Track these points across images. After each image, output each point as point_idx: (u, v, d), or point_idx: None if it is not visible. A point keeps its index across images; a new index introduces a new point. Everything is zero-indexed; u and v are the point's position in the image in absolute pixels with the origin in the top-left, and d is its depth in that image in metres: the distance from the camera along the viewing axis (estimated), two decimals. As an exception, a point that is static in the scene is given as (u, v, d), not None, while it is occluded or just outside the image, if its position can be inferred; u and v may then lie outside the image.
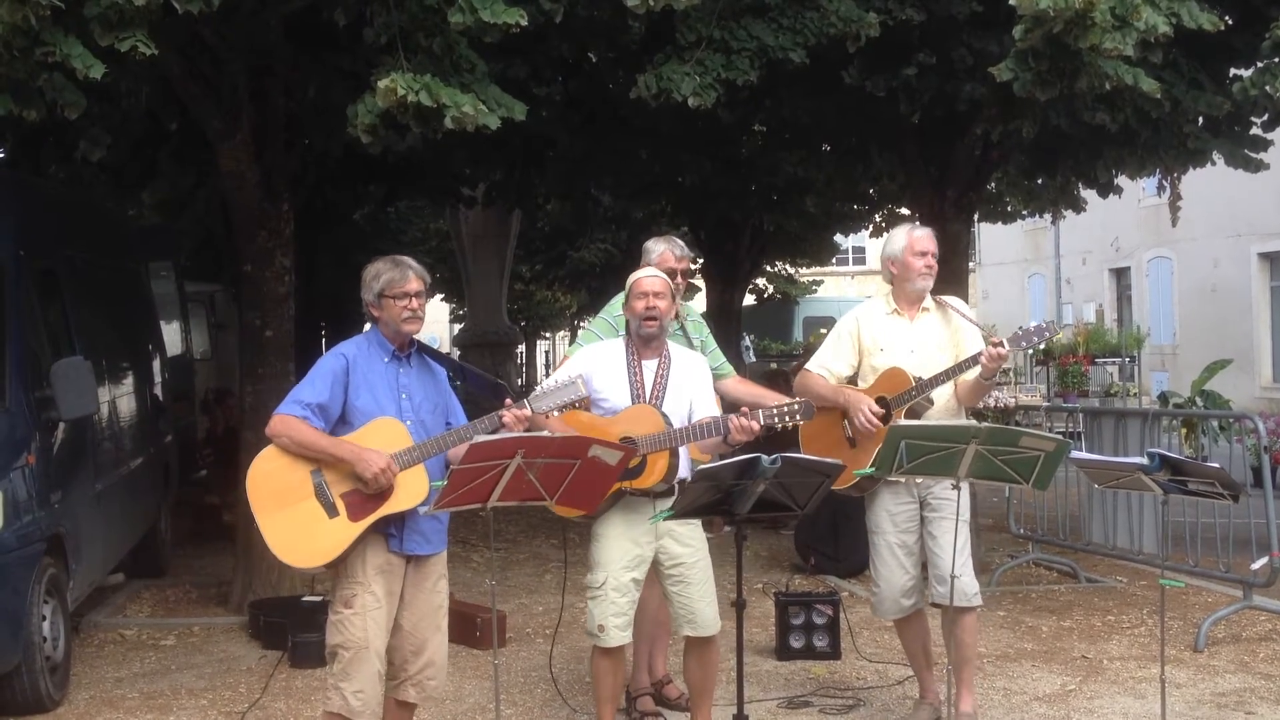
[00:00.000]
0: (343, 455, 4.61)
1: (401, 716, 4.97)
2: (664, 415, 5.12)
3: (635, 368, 5.21)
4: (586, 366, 5.20)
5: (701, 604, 5.20)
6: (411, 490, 4.66)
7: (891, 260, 5.79)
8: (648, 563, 5.21)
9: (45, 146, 9.55)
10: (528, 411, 4.75)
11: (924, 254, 5.70)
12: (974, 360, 5.48)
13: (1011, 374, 16.26)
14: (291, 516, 4.64)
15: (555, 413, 4.92)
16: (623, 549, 5.15)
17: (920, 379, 5.56)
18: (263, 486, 4.69)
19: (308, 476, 4.65)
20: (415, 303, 4.76)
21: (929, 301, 5.77)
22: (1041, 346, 6.01)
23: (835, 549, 9.25)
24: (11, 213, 7.04)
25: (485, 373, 5.10)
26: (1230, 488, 5.07)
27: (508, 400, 4.80)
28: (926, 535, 5.66)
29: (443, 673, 4.98)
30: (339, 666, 4.73)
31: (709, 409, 5.30)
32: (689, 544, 5.22)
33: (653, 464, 5.06)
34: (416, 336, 4.95)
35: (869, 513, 5.78)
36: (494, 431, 4.71)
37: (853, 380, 5.81)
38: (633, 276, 5.31)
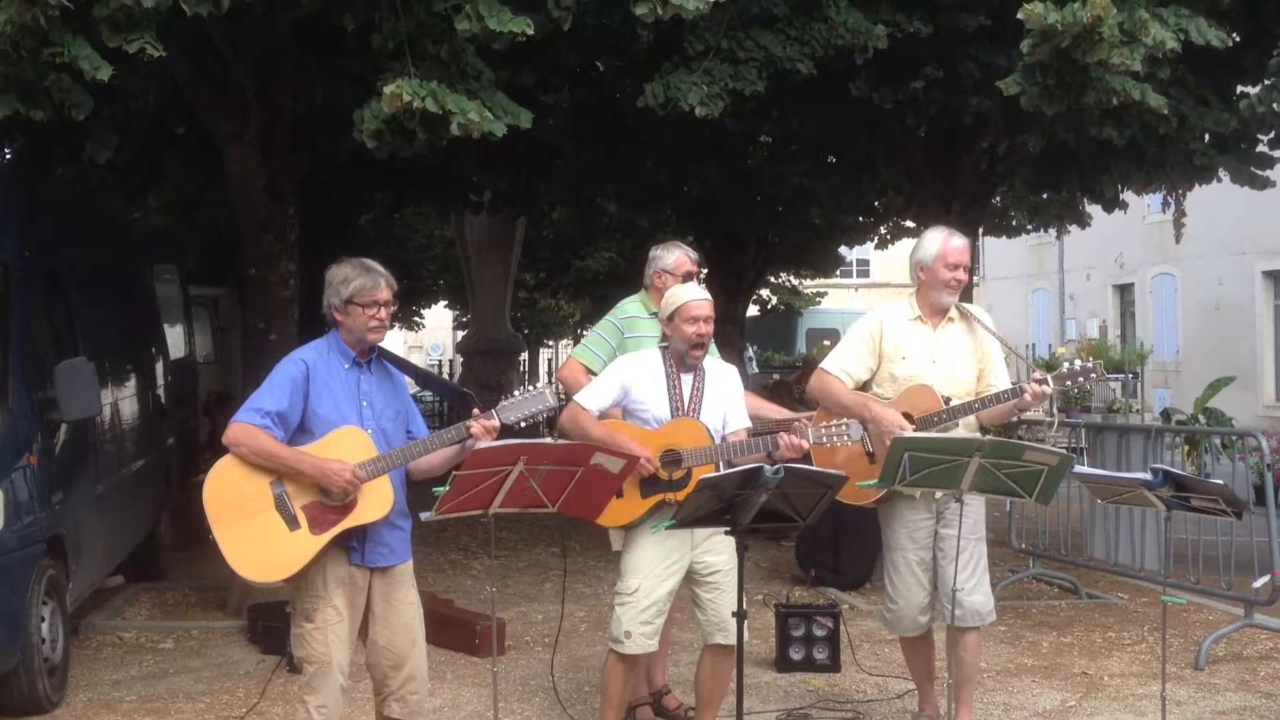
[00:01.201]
0: (304, 469, 4.49)
1: None
2: (708, 429, 5.12)
3: (675, 380, 5.20)
4: (627, 376, 5.20)
5: (729, 611, 5.18)
6: (375, 502, 4.55)
7: (921, 265, 5.60)
8: (682, 573, 5.19)
9: (54, 147, 9.56)
10: (495, 422, 4.64)
11: (956, 267, 5.53)
12: (1012, 393, 5.40)
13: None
14: (251, 529, 4.51)
15: (524, 424, 4.81)
16: (658, 557, 5.13)
17: (949, 400, 5.45)
18: (220, 498, 4.54)
19: (267, 487, 4.52)
20: (384, 313, 4.62)
21: (954, 311, 5.63)
22: (1088, 388, 5.84)
23: (836, 561, 9.24)
24: (17, 213, 7.04)
25: (448, 381, 5.00)
26: (1233, 505, 5.05)
27: (475, 410, 4.69)
28: (937, 552, 5.57)
29: (424, 686, 4.89)
30: (304, 680, 4.69)
31: (742, 420, 5.32)
32: (724, 552, 5.20)
33: (698, 477, 5.04)
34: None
35: (887, 529, 5.66)
36: (460, 442, 4.63)
37: (866, 384, 5.67)
38: (678, 297, 5.18)
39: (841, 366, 5.66)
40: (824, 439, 5.04)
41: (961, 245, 5.60)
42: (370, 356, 4.73)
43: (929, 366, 5.54)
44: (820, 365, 5.78)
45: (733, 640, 5.18)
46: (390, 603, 4.73)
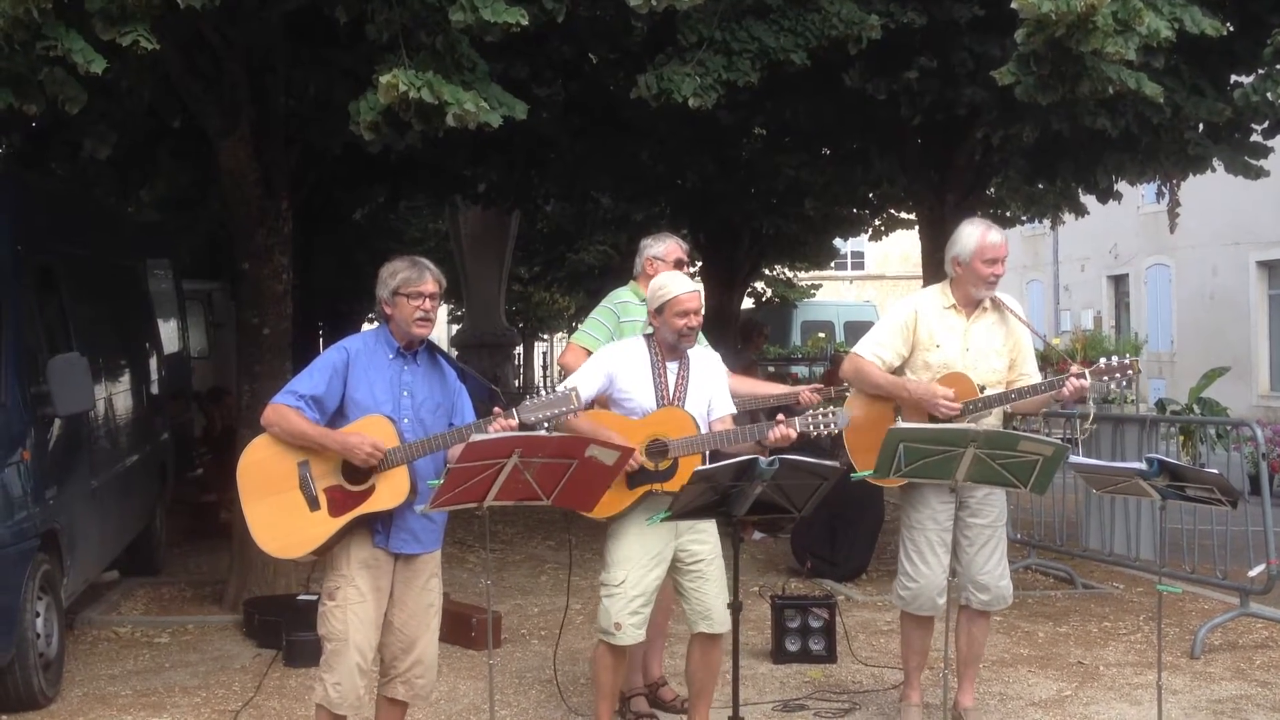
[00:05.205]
0: (328, 444, 4.68)
1: (393, 714, 5.00)
2: (695, 418, 5.11)
3: (660, 369, 5.19)
4: (613, 364, 5.19)
5: (718, 601, 5.18)
6: (393, 490, 4.70)
7: (957, 260, 5.61)
8: (667, 563, 5.20)
9: (51, 144, 9.52)
10: (514, 421, 4.70)
11: (994, 262, 5.53)
12: (1050, 385, 5.48)
13: None
14: (275, 505, 4.74)
15: (546, 425, 4.84)
16: (644, 547, 5.13)
17: (983, 389, 5.50)
18: (251, 474, 4.79)
19: (294, 468, 4.72)
20: (429, 304, 4.78)
21: (987, 301, 5.66)
22: (1125, 385, 5.94)
23: (832, 553, 9.24)
24: (9, 209, 7.02)
25: (480, 377, 4.99)
26: (1228, 494, 5.05)
27: (497, 409, 4.77)
28: (963, 539, 5.63)
29: (432, 671, 4.99)
30: (323, 658, 4.82)
31: (726, 406, 5.32)
32: (708, 541, 5.23)
33: (685, 467, 5.04)
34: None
35: (910, 509, 5.68)
36: None
37: (898, 371, 5.68)
38: (669, 289, 5.14)
39: (874, 351, 5.69)
40: (811, 427, 5.05)
41: (1000, 240, 5.60)
42: (417, 349, 4.86)
43: (962, 355, 5.59)
44: (853, 350, 5.81)
45: (718, 629, 5.20)
46: (410, 587, 4.86)
